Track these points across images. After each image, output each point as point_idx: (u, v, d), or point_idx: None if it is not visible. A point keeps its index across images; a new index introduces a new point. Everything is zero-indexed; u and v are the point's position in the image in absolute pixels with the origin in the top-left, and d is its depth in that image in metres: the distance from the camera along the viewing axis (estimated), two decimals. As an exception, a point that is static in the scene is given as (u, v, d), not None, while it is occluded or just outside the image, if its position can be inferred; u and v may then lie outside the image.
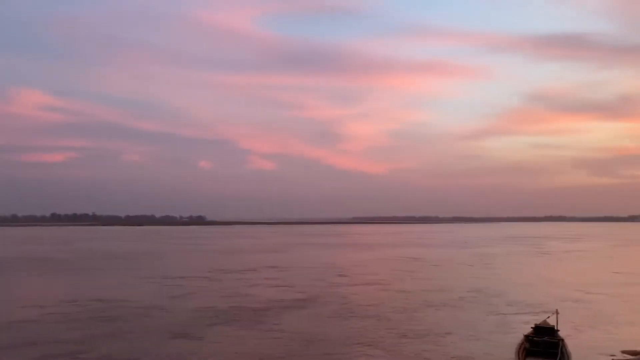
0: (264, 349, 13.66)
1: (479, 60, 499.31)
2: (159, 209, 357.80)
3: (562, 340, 12.11)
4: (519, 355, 11.37)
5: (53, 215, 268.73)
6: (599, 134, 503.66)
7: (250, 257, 46.07)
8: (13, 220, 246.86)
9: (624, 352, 13.15)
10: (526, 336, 12.59)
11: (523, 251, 56.25)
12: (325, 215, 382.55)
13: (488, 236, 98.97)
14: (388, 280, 28.90)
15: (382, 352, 13.38)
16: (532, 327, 13.14)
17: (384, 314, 18.68)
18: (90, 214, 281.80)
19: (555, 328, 12.89)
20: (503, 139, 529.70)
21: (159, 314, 18.70)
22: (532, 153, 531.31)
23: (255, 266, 37.03)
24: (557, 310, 13.95)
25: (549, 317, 13.73)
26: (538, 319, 13.67)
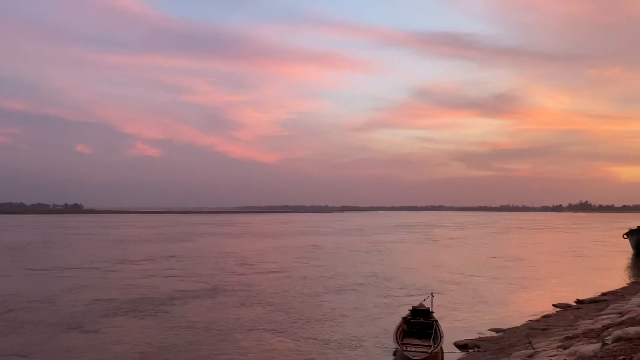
0: (162, 338, 13.30)
1: (371, 54, 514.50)
2: (29, 196, 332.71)
3: (436, 321, 12.84)
4: (397, 336, 11.84)
5: None
6: (477, 130, 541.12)
7: (144, 247, 44.18)
8: None
9: (490, 329, 14.17)
10: (404, 318, 13.23)
11: (412, 238, 59.03)
12: (215, 204, 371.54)
13: (379, 224, 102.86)
14: (288, 267, 29.12)
15: (280, 337, 13.52)
16: (409, 310, 13.84)
17: (284, 300, 18.85)
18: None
19: (430, 310, 13.65)
20: (390, 132, 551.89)
21: (51, 307, 17.50)
22: (417, 146, 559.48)
23: (151, 256, 35.62)
24: (432, 293, 14.79)
25: (424, 299, 14.48)
26: (426, 301, 14.52)
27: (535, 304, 18.35)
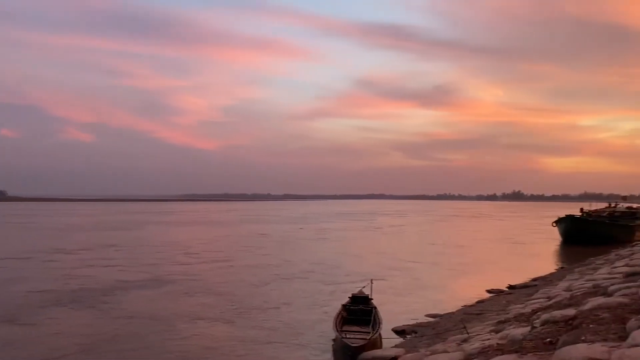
0: (103, 329, 12.94)
1: (314, 42, 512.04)
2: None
3: (375, 307, 13.04)
4: (336, 323, 11.96)
5: None
6: (416, 120, 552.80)
7: (81, 236, 42.26)
8: None
9: (427, 315, 14.59)
10: (343, 305, 13.40)
11: (356, 226, 59.88)
12: (152, 192, 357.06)
13: (323, 212, 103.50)
14: (234, 256, 28.83)
15: (224, 326, 13.48)
16: (349, 297, 14.00)
17: (230, 289, 18.71)
18: None
19: (370, 297, 13.84)
20: (332, 121, 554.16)
21: (-19, 300, 16.76)
22: (358, 135, 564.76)
23: (90, 245, 34.30)
24: (371, 279, 14.96)
25: (364, 286, 14.66)
26: (365, 288, 14.77)
27: (470, 289, 19.03)
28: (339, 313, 12.89)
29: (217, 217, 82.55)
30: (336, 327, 11.80)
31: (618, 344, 5.16)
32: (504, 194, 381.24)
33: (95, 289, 18.66)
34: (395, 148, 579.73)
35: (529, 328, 7.88)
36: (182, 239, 40.86)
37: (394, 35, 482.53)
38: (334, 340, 11.68)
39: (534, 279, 20.54)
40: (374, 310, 12.87)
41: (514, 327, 8.67)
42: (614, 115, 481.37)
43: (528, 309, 10.97)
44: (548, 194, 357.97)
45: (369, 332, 11.44)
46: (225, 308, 15.65)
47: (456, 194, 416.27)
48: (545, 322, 7.63)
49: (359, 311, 13.07)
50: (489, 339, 8.20)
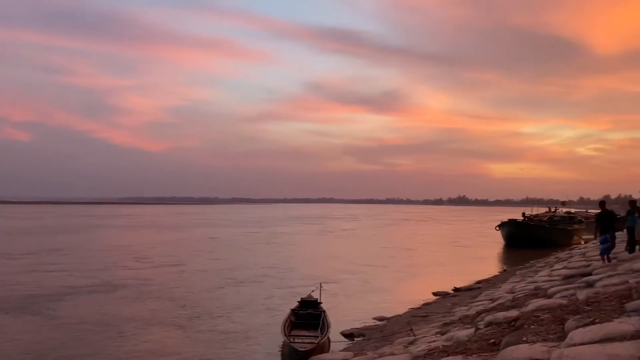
0: (50, 336, 12.44)
1: (265, 45, 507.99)
2: None
3: (324, 311, 13.01)
4: (284, 328, 11.88)
5: None
6: (366, 125, 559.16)
7: (24, 240, 39.99)
8: None
9: (375, 318, 14.67)
10: (292, 310, 13.31)
11: (309, 230, 59.81)
12: (94, 194, 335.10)
13: (275, 216, 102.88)
14: (185, 261, 28.20)
15: (174, 331, 13.21)
16: (298, 301, 13.93)
17: (182, 294, 18.34)
18: None
19: (319, 301, 13.82)
20: (284, 124, 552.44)
21: None
22: (309, 139, 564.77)
23: (35, 249, 32.74)
24: (320, 284, 14.90)
25: (313, 290, 14.63)
26: (314, 292, 14.68)
27: (417, 292, 19.27)
28: (288, 318, 12.78)
29: (166, 221, 79.96)
30: (284, 331, 11.69)
31: (557, 343, 5.26)
32: (449, 198, 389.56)
33: (41, 294, 17.84)
34: (346, 152, 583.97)
35: (473, 330, 7.97)
36: (131, 243, 39.59)
37: (344, 40, 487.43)
38: (282, 345, 11.55)
39: (478, 282, 20.99)
40: (322, 314, 12.81)
41: (459, 329, 8.77)
42: (554, 123, 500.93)
43: (472, 311, 11.15)
44: (492, 198, 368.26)
45: (318, 336, 11.37)
46: (177, 313, 15.33)
47: (404, 198, 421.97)
48: (489, 324, 7.74)
49: (307, 315, 13.00)
50: (435, 341, 8.25)
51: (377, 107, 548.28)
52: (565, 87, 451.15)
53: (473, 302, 13.47)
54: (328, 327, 11.97)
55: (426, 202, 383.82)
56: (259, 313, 15.39)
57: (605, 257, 12.28)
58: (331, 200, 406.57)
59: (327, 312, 13.06)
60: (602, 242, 12.37)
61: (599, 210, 12.74)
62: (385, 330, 12.68)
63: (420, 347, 8.10)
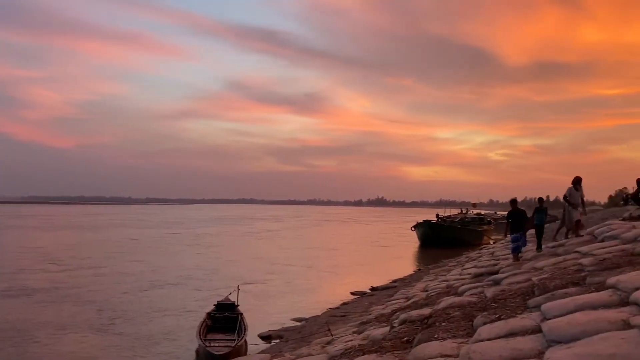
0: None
1: (185, 40, 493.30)
2: None
3: (241, 314, 12.78)
4: (200, 332, 11.56)
5: None
6: (289, 126, 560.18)
7: None
8: None
9: (293, 319, 14.63)
10: (208, 313, 12.94)
11: (233, 231, 58.81)
12: None
13: (197, 217, 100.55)
14: (105, 263, 26.85)
15: (89, 335, 12.70)
16: (214, 304, 13.55)
17: (99, 297, 17.52)
18: None
19: (236, 303, 13.52)
20: (203, 122, 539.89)
21: None
22: (229, 138, 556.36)
23: None
24: (238, 286, 14.63)
25: (230, 293, 14.32)
26: (241, 294, 14.38)
27: (336, 292, 19.42)
28: (203, 321, 12.42)
29: (80, 222, 75.06)
30: (200, 335, 11.34)
31: (466, 339, 5.37)
32: (369, 199, 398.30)
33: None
34: (267, 153, 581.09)
35: (388, 328, 8.04)
36: (44, 245, 37.03)
37: (267, 40, 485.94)
38: (197, 349, 11.20)
39: (394, 281, 21.41)
40: (239, 317, 12.55)
41: (374, 328, 8.83)
42: (467, 129, 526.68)
43: (388, 310, 11.30)
44: (408, 200, 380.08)
45: (234, 340, 11.12)
46: (94, 316, 14.71)
47: (325, 200, 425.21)
48: (403, 322, 7.83)
49: (224, 318, 12.67)
50: (351, 340, 8.25)
51: (299, 109, 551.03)
52: (477, 95, 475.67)
53: (389, 301, 13.67)
54: (245, 330, 11.76)
55: (347, 203, 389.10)
56: (179, 316, 14.94)
57: (516, 255, 12.06)
58: (252, 201, 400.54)
59: (245, 315, 12.82)
60: (513, 241, 12.15)
61: (510, 209, 12.49)
62: (303, 331, 12.59)
63: (337, 347, 8.06)
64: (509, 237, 12.84)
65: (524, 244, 12.35)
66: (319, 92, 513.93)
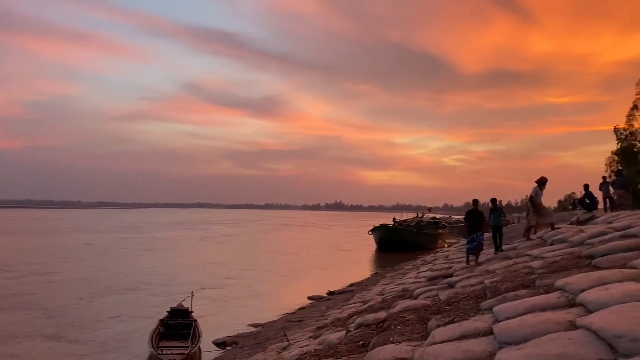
0: None
1: (139, 41, 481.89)
2: None
3: (195, 320, 12.49)
4: (152, 340, 11.27)
5: None
6: (246, 129, 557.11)
7: None
8: None
9: (250, 324, 14.42)
10: (161, 320, 12.62)
11: (190, 235, 57.77)
12: None
13: (153, 221, 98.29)
14: (57, 269, 25.80)
15: (42, 342, 12.31)
16: (167, 311, 13.25)
17: (52, 304, 16.91)
18: None
19: (190, 310, 13.23)
20: (157, 124, 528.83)
21: None
22: (185, 141, 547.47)
23: None
24: (192, 292, 14.32)
25: (184, 299, 13.99)
26: (196, 300, 14.08)
27: (293, 296, 19.30)
28: (156, 328, 12.08)
29: (29, 226, 72.41)
30: (152, 343, 11.04)
31: (421, 342, 5.41)
32: (327, 203, 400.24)
33: None
34: (225, 156, 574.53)
35: (344, 332, 8.04)
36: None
37: (225, 43, 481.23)
38: (149, 357, 10.89)
39: (351, 285, 21.46)
40: (193, 324, 12.26)
41: (331, 332, 8.80)
42: (424, 134, 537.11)
43: (345, 314, 11.31)
44: (366, 204, 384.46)
45: (188, 347, 10.85)
46: (46, 324, 14.24)
47: (283, 204, 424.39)
48: (359, 326, 7.85)
49: (177, 325, 12.36)
50: (307, 345, 8.19)
51: (257, 112, 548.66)
52: (434, 101, 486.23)
53: (346, 305, 13.69)
54: (199, 336, 11.50)
55: (304, 207, 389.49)
56: (133, 322, 14.56)
57: (471, 257, 11.86)
58: (207, 205, 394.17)
59: (200, 321, 12.56)
60: (469, 242, 11.91)
61: (471, 208, 12.22)
62: (259, 337, 12.44)
63: (293, 352, 8.00)
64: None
65: (481, 246, 11.96)
66: (277, 96, 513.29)
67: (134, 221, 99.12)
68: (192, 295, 13.95)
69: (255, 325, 14.29)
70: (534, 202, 12.72)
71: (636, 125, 41.01)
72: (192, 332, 11.79)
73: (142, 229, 70.78)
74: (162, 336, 11.87)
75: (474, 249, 11.79)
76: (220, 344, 12.37)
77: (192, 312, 13.17)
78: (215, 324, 13.95)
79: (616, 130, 41.90)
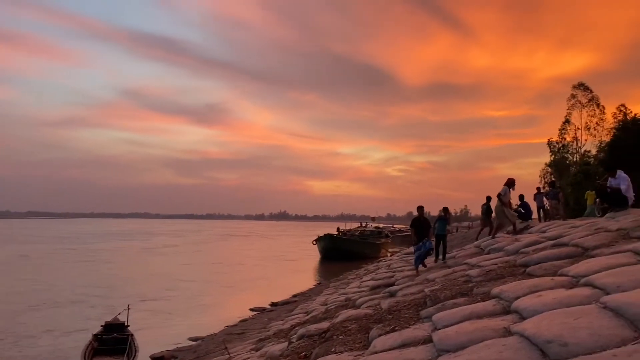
0: None
1: (75, 44, 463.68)
2: None
3: (132, 335, 12.16)
4: (85, 356, 10.88)
5: None
6: (188, 137, 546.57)
7: None
8: None
9: (190, 338, 14.10)
10: (95, 335, 12.19)
11: (132, 246, 55.98)
12: None
13: (90, 232, 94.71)
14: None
15: None
16: (102, 325, 12.81)
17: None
18: None
19: (126, 324, 12.85)
20: (93, 131, 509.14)
21: None
22: (123, 149, 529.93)
23: None
24: (128, 305, 13.93)
25: (120, 313, 13.60)
26: (135, 313, 13.63)
27: (236, 308, 18.97)
28: (89, 344, 11.65)
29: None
30: (84, 359, 10.54)
31: (362, 352, 5.41)
32: (271, 213, 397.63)
33: None
34: (164, 164, 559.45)
35: (286, 344, 7.95)
36: None
37: (167, 49, 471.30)
38: None
39: (295, 295, 21.36)
40: (129, 338, 11.90)
41: (273, 344, 8.70)
42: (367, 145, 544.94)
43: (287, 325, 11.20)
44: (310, 214, 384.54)
45: None
46: None
47: (225, 214, 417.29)
48: (301, 337, 7.78)
49: (112, 340, 11.94)
50: (249, 358, 8.07)
51: (200, 119, 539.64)
52: (377, 113, 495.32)
53: (289, 316, 13.58)
54: (136, 351, 11.16)
55: (248, 217, 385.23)
56: (69, 336, 14.05)
57: (420, 265, 11.58)
58: (146, 215, 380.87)
59: (137, 335, 12.16)
60: (417, 250, 11.65)
61: (416, 215, 11.99)
62: (199, 351, 12.16)
63: (233, 365, 7.85)
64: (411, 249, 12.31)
65: (428, 254, 11.74)
66: (221, 104, 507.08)
67: (70, 231, 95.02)
68: (129, 309, 13.51)
69: (195, 339, 13.94)
70: (503, 201, 13.03)
71: (568, 139, 43.43)
72: (128, 347, 11.42)
73: (80, 239, 68.01)
74: (96, 352, 11.43)
75: (419, 258, 11.65)
76: (157, 358, 11.98)
77: (129, 325, 12.73)
78: (153, 337, 13.52)
79: (549, 143, 44.18)
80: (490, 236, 13.10)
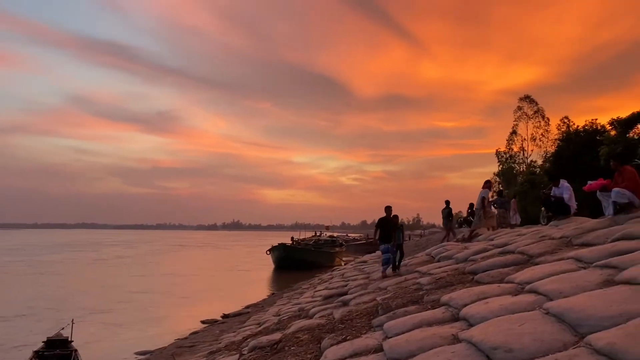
0: None
1: (18, 49, 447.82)
2: None
3: (76, 350, 11.73)
4: None
5: None
6: (138, 145, 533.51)
7: None
8: None
9: (137, 352, 13.70)
10: (36, 352, 11.67)
11: (80, 258, 54.09)
12: None
13: (36, 243, 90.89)
14: None
15: None
16: (43, 342, 12.26)
17: None
18: None
19: (70, 339, 12.38)
20: (37, 139, 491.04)
21: None
22: (69, 157, 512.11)
23: None
24: (72, 319, 13.42)
25: (63, 328, 13.09)
26: (83, 326, 13.08)
27: (187, 321, 18.52)
28: None
29: None
30: None
31: (314, 363, 5.37)
32: (224, 223, 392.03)
33: None
34: (112, 173, 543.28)
35: (237, 356, 7.82)
36: None
37: (116, 54, 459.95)
38: None
39: (247, 306, 21.00)
40: (74, 354, 11.49)
41: (224, 357, 8.54)
42: (322, 154, 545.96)
43: (239, 337, 11.02)
44: (264, 223, 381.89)
45: None
46: None
47: (177, 224, 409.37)
48: (253, 348, 7.66)
49: (54, 357, 11.45)
50: (199, 371, 7.87)
51: (150, 127, 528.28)
52: (332, 122, 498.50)
53: (241, 328, 13.37)
54: None
55: (200, 228, 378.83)
56: (9, 353, 13.44)
57: (387, 269, 11.13)
58: (93, 226, 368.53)
59: (82, 351, 11.68)
60: (383, 252, 11.12)
61: (384, 215, 11.39)
62: (147, 365, 11.79)
63: (183, 380, 7.64)
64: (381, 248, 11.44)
65: (394, 258, 11.27)
66: (172, 111, 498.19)
67: (14, 243, 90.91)
68: (73, 323, 12.94)
69: (142, 353, 13.50)
70: (484, 204, 13.23)
71: (515, 149, 45.02)
72: None
73: (26, 251, 65.19)
74: None
75: (388, 261, 11.12)
76: (102, 376, 11.55)
77: (72, 341, 12.20)
78: (99, 353, 13.05)
79: (498, 153, 45.67)
80: (445, 241, 13.32)
